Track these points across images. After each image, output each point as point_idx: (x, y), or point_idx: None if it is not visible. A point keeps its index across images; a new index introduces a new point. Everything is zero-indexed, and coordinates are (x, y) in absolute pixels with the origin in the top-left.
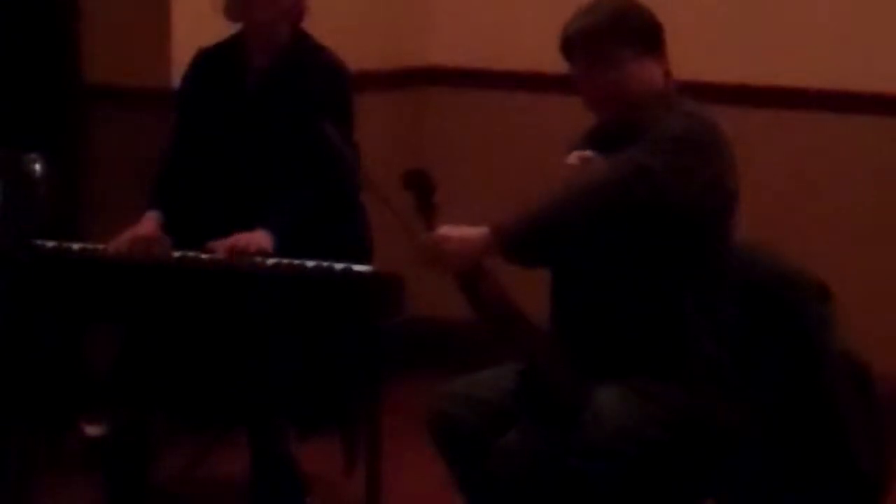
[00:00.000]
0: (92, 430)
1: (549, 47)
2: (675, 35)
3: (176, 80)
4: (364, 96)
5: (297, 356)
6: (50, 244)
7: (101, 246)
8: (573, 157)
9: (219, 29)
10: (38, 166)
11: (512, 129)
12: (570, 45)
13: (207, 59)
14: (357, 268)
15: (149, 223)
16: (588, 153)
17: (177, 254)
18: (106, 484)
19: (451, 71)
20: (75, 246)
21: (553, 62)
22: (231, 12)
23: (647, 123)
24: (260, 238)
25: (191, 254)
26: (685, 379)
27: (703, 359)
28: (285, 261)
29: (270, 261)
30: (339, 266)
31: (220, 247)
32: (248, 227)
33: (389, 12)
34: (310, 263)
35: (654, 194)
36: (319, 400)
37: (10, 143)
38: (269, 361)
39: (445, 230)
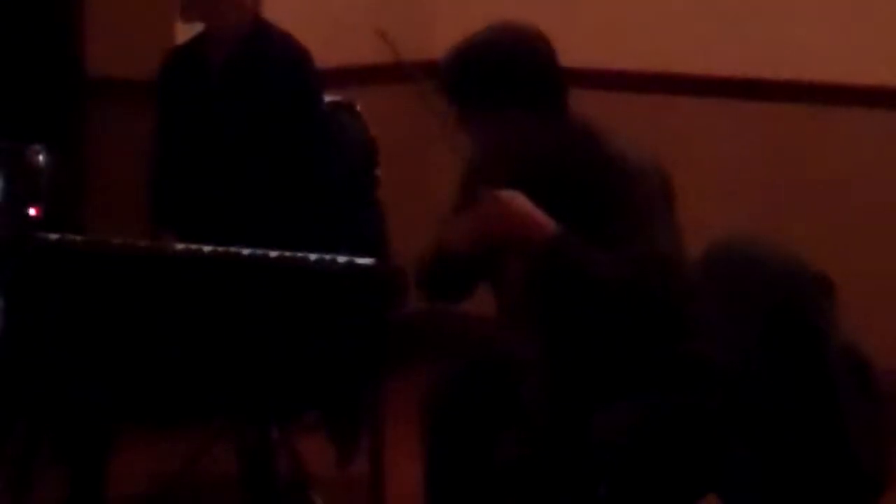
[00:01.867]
0: None
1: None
2: (667, 27)
3: None
4: (368, 91)
5: (300, 349)
6: (53, 236)
7: (102, 238)
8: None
9: None
10: (41, 157)
11: None
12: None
13: (176, 58)
14: (360, 261)
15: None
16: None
17: (179, 246)
18: (70, 478)
19: None
20: (78, 238)
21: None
22: (186, 13)
23: (589, 153)
24: None
25: (193, 246)
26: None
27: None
28: (288, 254)
29: (273, 253)
30: (341, 259)
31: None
32: (239, 220)
33: (392, 7)
34: (312, 256)
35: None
36: (322, 392)
37: (13, 135)
38: (271, 355)
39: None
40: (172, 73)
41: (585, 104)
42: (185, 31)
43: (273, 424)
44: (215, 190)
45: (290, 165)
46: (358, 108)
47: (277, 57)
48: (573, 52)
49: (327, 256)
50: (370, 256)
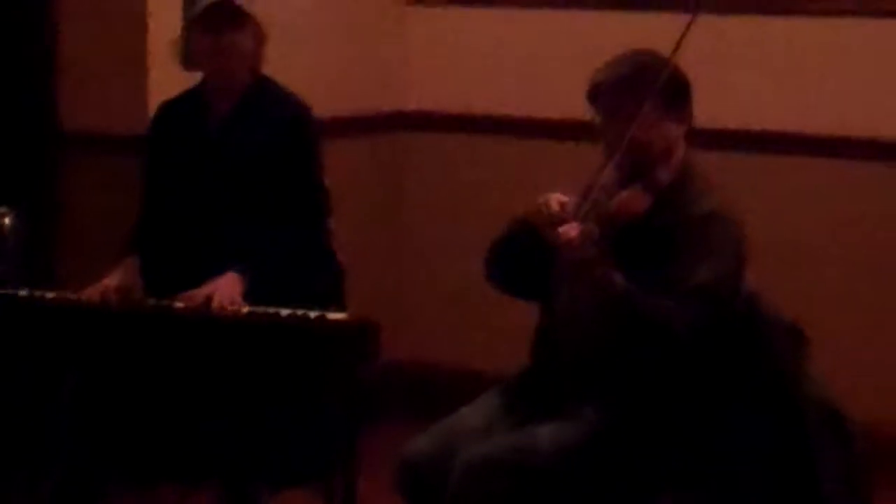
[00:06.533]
0: None
1: (526, 92)
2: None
3: None
4: (342, 141)
5: (273, 406)
6: (23, 293)
7: (74, 294)
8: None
9: (194, 76)
10: (7, 220)
11: (489, 174)
12: (594, 93)
13: (170, 110)
14: (332, 315)
15: (123, 271)
16: (563, 198)
17: (150, 301)
18: None
19: (428, 116)
20: (49, 294)
21: (530, 107)
22: (190, 61)
23: (678, 198)
24: (231, 287)
25: (164, 302)
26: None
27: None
28: (259, 309)
29: (245, 309)
30: (313, 314)
31: (193, 299)
32: (221, 269)
33: (367, 58)
34: (284, 312)
35: (727, 311)
36: (296, 451)
37: None
38: (243, 413)
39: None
40: (168, 123)
41: None
42: (158, 85)
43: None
44: (201, 232)
45: (275, 219)
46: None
47: (281, 112)
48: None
49: (299, 311)
50: (326, 305)
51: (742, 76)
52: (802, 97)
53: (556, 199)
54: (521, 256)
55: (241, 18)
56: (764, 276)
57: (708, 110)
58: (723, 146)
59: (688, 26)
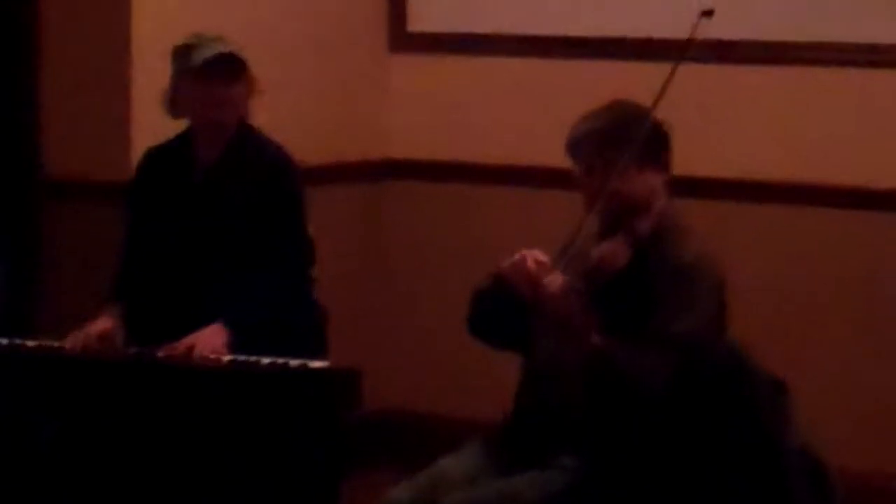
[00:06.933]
0: None
1: (511, 140)
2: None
3: None
4: (323, 189)
5: (255, 455)
6: (3, 341)
7: (56, 343)
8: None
9: (179, 122)
10: None
11: (473, 222)
12: (573, 147)
13: (155, 158)
14: (313, 364)
15: (105, 318)
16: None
17: (132, 350)
18: None
19: (410, 164)
20: (30, 343)
21: (515, 155)
22: (177, 109)
23: (658, 248)
24: (214, 338)
25: (146, 351)
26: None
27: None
28: (241, 358)
29: (226, 358)
30: (294, 363)
31: (176, 350)
32: (205, 320)
33: (350, 106)
34: (265, 360)
35: (704, 358)
36: (279, 499)
37: None
38: (225, 461)
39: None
40: (154, 171)
41: None
42: (141, 132)
43: None
44: (184, 280)
45: (259, 268)
46: None
47: (265, 162)
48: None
49: (280, 360)
50: (309, 353)
51: (725, 125)
52: (788, 146)
53: (532, 257)
54: (501, 311)
55: (242, 70)
56: (746, 324)
57: (691, 159)
58: (706, 195)
59: (670, 76)
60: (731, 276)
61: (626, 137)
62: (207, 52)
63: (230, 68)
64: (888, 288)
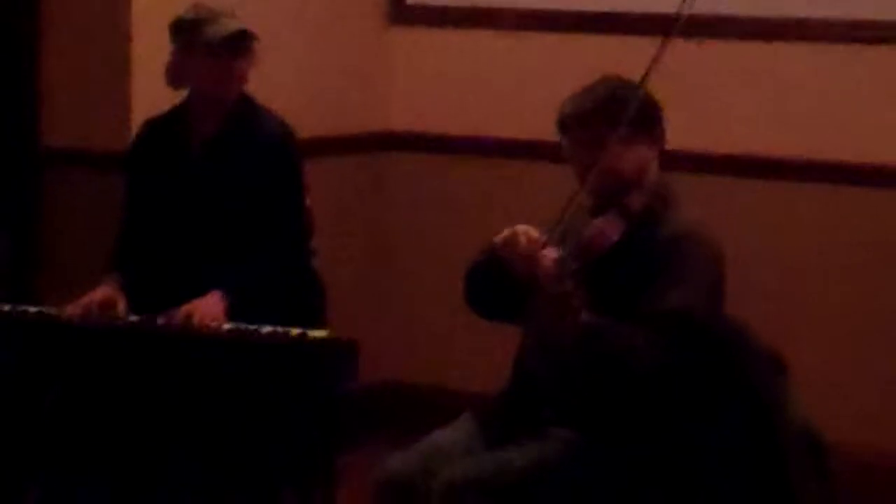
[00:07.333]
0: None
1: (509, 113)
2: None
3: None
4: (323, 161)
5: (252, 422)
6: (6, 308)
7: (56, 310)
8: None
9: (177, 94)
10: None
11: (472, 195)
12: (564, 123)
13: (153, 129)
14: (312, 333)
15: (107, 287)
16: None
17: (133, 318)
18: None
19: (410, 136)
20: (32, 309)
21: (512, 128)
22: (178, 80)
23: (651, 222)
24: (213, 306)
25: (146, 319)
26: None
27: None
28: (241, 326)
29: (226, 326)
30: (294, 332)
31: (175, 317)
32: (203, 290)
33: (350, 78)
34: (265, 329)
35: (699, 333)
36: (275, 467)
37: None
38: (223, 428)
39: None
40: (152, 143)
41: None
42: (141, 102)
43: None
44: (183, 251)
45: (258, 239)
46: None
47: (264, 134)
48: None
49: (279, 329)
50: (307, 325)
51: (719, 99)
52: (784, 121)
53: (524, 234)
54: (497, 284)
55: (251, 46)
56: (741, 301)
57: (685, 133)
58: (701, 169)
59: (660, 49)
60: (725, 252)
61: (616, 115)
62: (221, 28)
63: (241, 45)
64: (883, 263)
